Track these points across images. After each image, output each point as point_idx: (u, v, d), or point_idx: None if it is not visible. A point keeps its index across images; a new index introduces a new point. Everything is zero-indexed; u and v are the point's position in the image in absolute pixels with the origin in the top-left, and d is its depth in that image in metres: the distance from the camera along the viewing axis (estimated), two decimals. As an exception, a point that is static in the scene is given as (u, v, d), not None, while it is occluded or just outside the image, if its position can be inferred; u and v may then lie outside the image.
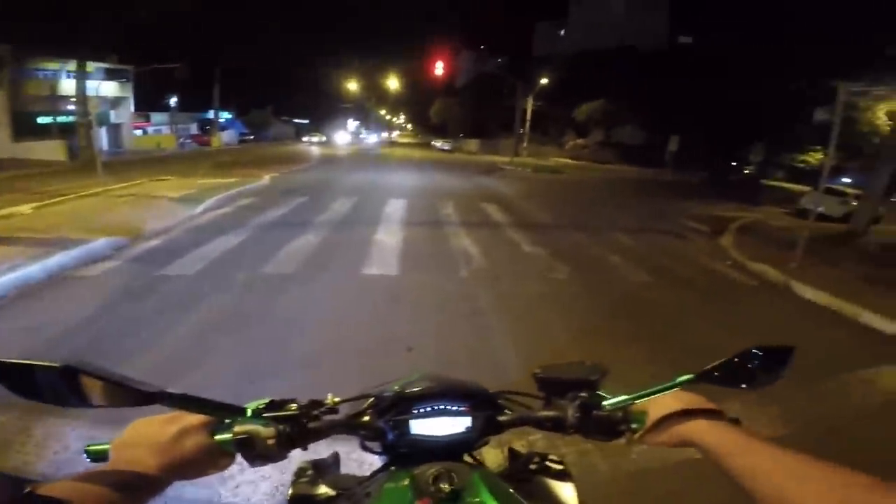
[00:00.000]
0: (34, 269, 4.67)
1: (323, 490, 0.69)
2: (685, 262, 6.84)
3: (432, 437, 0.68)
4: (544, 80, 33.54)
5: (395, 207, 9.54)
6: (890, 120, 14.32)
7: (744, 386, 0.61)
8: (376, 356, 3.32)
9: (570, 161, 34.79)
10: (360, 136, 55.98)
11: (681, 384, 0.63)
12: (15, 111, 20.99)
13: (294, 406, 0.64)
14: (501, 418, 0.72)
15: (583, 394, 0.69)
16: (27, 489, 0.45)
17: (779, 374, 0.61)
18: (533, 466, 0.76)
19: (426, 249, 6.41)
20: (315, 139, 40.42)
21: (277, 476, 2.05)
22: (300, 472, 0.72)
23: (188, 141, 32.77)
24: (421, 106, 58.66)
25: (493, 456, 0.83)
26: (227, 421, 0.59)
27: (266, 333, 3.63)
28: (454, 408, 0.69)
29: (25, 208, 7.68)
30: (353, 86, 49.36)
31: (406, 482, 0.59)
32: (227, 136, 37.31)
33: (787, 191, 20.30)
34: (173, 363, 3.10)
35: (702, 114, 25.62)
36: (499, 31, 55.41)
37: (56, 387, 0.48)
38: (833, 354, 3.96)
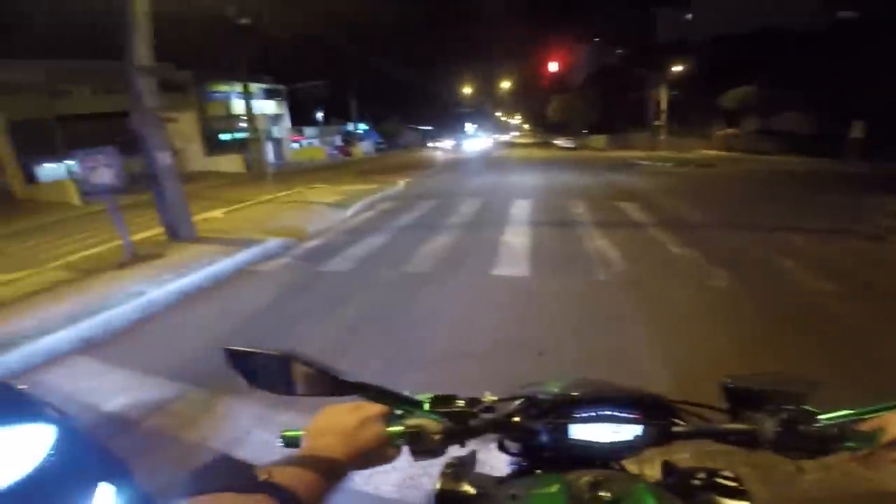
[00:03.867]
0: (227, 264, 5.68)
1: (466, 488, 0.67)
2: (882, 269, 5.46)
3: (594, 443, 0.65)
4: (678, 68, 30.37)
5: (522, 208, 9.43)
6: None
7: None
8: (506, 358, 3.29)
9: (719, 153, 30.73)
10: (479, 137, 57.04)
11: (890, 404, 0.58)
12: (203, 129, 25.99)
13: (461, 402, 0.65)
14: (676, 429, 0.67)
15: (789, 407, 0.63)
16: (256, 474, 0.50)
17: None
18: (697, 482, 0.68)
19: (557, 251, 6.19)
20: (439, 144, 42.45)
21: (407, 468, 2.09)
22: (449, 467, 0.72)
23: (334, 152, 36.92)
24: (537, 105, 57.49)
25: (635, 468, 0.76)
26: (398, 413, 0.62)
27: (406, 328, 3.86)
28: (622, 414, 0.65)
29: (218, 213, 9.42)
30: (469, 90, 50.65)
31: (557, 487, 0.57)
32: (365, 146, 41.20)
33: None
34: (329, 349, 3.48)
35: (885, 96, 20.48)
36: (615, 21, 51.60)
37: (271, 372, 0.55)
38: None
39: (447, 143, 39.73)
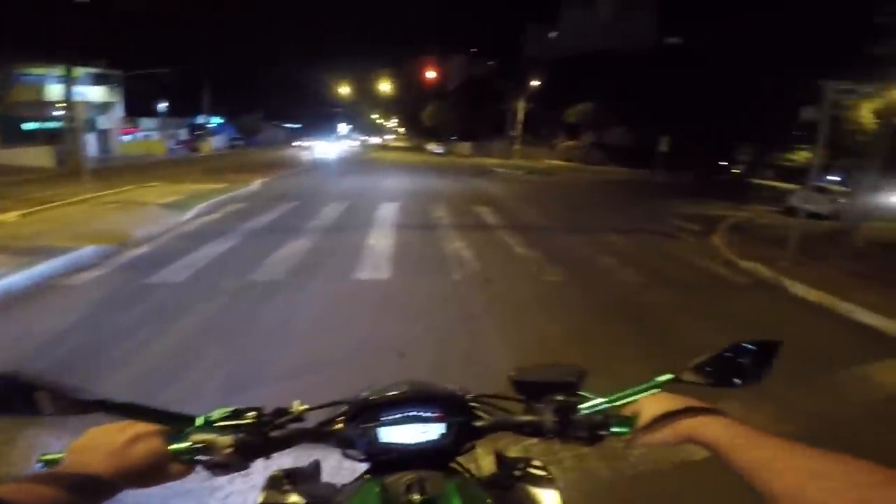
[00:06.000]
0: (17, 278, 4.57)
1: (294, 499, 0.66)
2: (678, 262, 6.86)
3: (404, 444, 0.66)
4: (535, 83, 33.75)
5: (387, 211, 9.50)
6: (876, 118, 14.54)
7: (737, 381, 0.59)
8: (367, 363, 3.27)
9: (561, 163, 34.97)
10: (352, 139, 55.77)
11: (661, 384, 0.62)
12: (0, 116, 20.75)
13: (252, 415, 0.63)
14: (478, 424, 0.70)
15: (559, 397, 0.67)
16: None
17: (764, 371, 0.59)
18: (518, 473, 0.73)
19: (418, 253, 6.38)
20: (306, 143, 39.90)
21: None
22: (272, 482, 0.70)
23: (178, 146, 32.49)
24: (413, 109, 58.70)
25: (487, 462, 0.81)
26: (185, 430, 0.60)
27: (253, 342, 3.57)
28: (425, 414, 0.66)
29: (11, 216, 7.54)
30: (345, 90, 49.23)
31: (376, 491, 0.58)
32: (217, 142, 37.04)
33: (776, 189, 20.51)
34: (158, 374, 3.03)
35: (690, 114, 25.94)
36: (490, 34, 55.58)
37: (5, 396, 0.52)
38: (827, 351, 3.97)
39: (315, 143, 37.41)
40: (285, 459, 0.72)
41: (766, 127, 24.11)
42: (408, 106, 60.93)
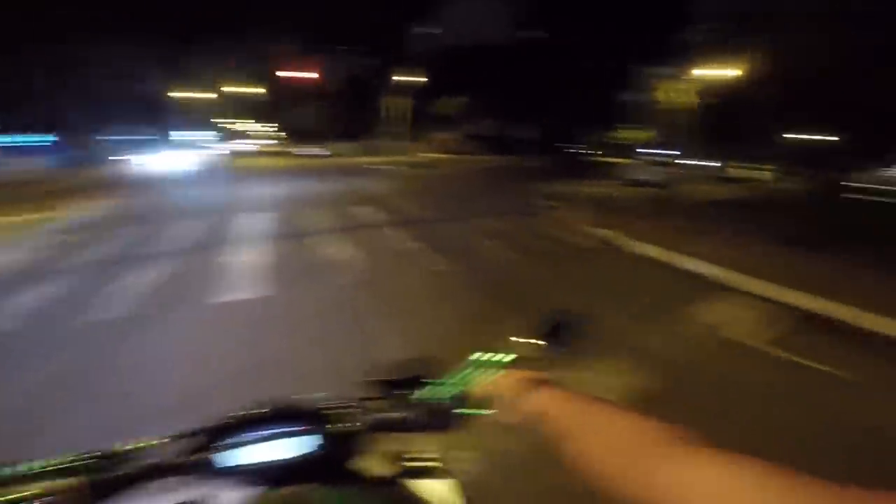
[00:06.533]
0: None
1: None
2: (543, 237, 7.62)
3: (275, 461, 0.62)
4: (417, 79, 34.24)
5: (258, 223, 8.86)
6: (688, 97, 17.58)
7: (563, 348, 0.65)
8: (250, 385, 3.07)
9: (441, 156, 36.10)
10: (218, 147, 50.32)
11: (497, 363, 0.65)
12: None
13: (92, 454, 0.57)
14: (351, 428, 0.67)
15: (405, 391, 0.68)
16: None
17: (580, 336, 0.65)
18: (409, 468, 0.73)
19: (298, 263, 6.10)
20: (148, 158, 32.69)
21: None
22: None
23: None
24: (292, 112, 55.28)
25: (382, 462, 0.77)
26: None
27: (115, 387, 3.11)
28: (291, 428, 0.64)
29: None
30: (210, 95, 44.08)
31: None
32: (48, 161, 30.73)
33: (616, 164, 23.75)
34: (6, 441, 2.49)
35: (543, 102, 28.82)
36: (372, 32, 54.37)
37: None
38: (665, 299, 4.77)
39: (170, 154, 31.39)
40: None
41: (607, 110, 27.78)
42: (286, 108, 57.16)
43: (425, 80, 35.03)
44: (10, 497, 0.51)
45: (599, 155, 30.06)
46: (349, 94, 46.10)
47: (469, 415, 0.65)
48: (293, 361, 3.39)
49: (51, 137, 31.95)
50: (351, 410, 0.69)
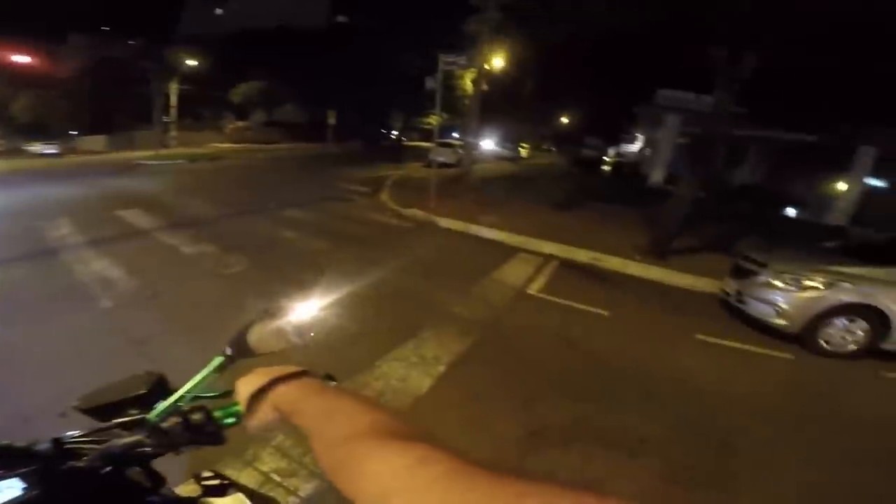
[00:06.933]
0: None
1: None
2: (356, 221, 7.49)
3: None
4: (193, 63, 29.46)
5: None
6: (473, 85, 19.41)
7: (307, 338, 0.65)
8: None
9: (231, 146, 32.27)
10: None
11: (218, 367, 0.62)
12: None
13: None
14: (78, 465, 0.56)
15: (134, 411, 0.62)
16: None
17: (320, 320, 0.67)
18: (207, 485, 0.71)
19: (37, 292, 4.55)
20: None
21: None
22: None
23: None
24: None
25: (188, 488, 0.72)
26: None
27: None
28: None
29: None
30: None
31: None
32: None
33: (422, 148, 25.18)
34: None
35: (354, 88, 28.54)
36: (129, 9, 43.53)
37: None
38: (470, 261, 5.24)
39: None
40: None
41: (408, 95, 28.99)
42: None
43: (208, 63, 30.80)
44: None
45: (411, 139, 31.37)
46: (98, 80, 37.02)
47: (228, 423, 0.61)
48: (56, 406, 2.50)
49: None
50: (82, 445, 0.59)
